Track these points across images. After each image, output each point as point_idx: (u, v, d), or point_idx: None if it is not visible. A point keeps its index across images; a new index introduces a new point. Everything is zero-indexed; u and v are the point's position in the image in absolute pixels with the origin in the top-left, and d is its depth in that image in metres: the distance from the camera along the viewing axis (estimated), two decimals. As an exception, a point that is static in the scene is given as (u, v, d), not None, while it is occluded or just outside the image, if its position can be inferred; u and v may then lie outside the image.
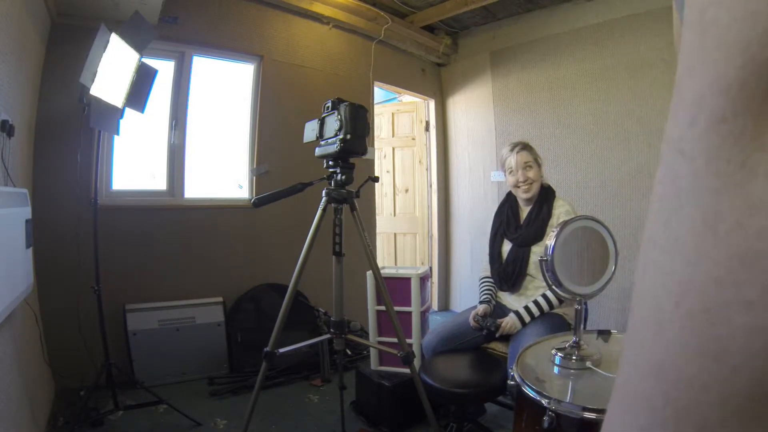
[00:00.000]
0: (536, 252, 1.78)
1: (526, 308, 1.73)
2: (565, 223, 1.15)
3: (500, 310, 1.89)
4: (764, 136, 0.12)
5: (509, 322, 1.73)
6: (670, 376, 0.13)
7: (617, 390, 0.16)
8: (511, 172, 1.85)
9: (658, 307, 0.14)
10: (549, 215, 1.80)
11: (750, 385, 0.12)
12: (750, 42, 0.12)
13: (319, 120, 1.58)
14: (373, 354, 2.17)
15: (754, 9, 0.12)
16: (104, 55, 1.78)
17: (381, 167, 4.20)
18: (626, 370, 0.15)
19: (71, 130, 2.21)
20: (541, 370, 1.14)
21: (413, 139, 4.20)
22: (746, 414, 0.12)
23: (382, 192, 4.20)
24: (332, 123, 1.50)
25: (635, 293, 0.15)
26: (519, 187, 1.84)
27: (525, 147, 1.85)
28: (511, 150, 1.86)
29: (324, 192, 1.57)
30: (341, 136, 1.45)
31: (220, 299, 2.67)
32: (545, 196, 1.85)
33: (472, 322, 1.80)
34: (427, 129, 4.20)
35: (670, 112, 0.15)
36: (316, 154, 1.60)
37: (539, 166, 1.86)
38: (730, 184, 0.12)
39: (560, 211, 1.79)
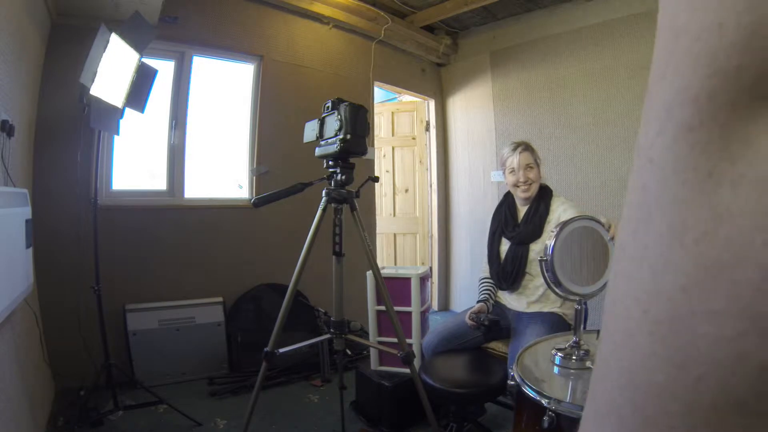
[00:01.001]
0: (534, 250, 1.78)
1: None
2: (564, 223, 1.15)
3: (499, 310, 1.89)
4: (731, 145, 0.12)
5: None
6: (637, 385, 0.13)
7: (589, 397, 0.16)
8: (512, 172, 1.85)
9: (626, 315, 0.14)
10: (547, 212, 1.80)
11: (715, 394, 0.12)
12: (717, 52, 0.12)
13: (319, 120, 1.58)
14: (373, 354, 2.17)
15: (722, 20, 0.12)
16: (104, 55, 1.78)
17: (380, 167, 4.19)
18: (597, 378, 0.15)
19: (71, 130, 2.21)
20: (541, 370, 1.14)
21: (413, 138, 4.20)
22: (712, 424, 0.12)
23: (381, 192, 4.20)
24: (332, 123, 1.50)
25: (606, 301, 0.15)
26: (518, 186, 1.84)
27: (527, 148, 1.86)
28: (514, 150, 1.86)
29: (324, 192, 1.57)
30: (341, 136, 1.45)
31: (220, 299, 2.67)
32: (542, 195, 1.85)
33: (468, 321, 1.81)
34: (427, 129, 4.20)
35: (641, 120, 0.15)
36: (316, 154, 1.60)
37: (539, 167, 1.86)
38: (697, 193, 0.12)
39: (561, 209, 1.78)
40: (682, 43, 0.13)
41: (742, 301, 0.11)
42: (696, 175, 0.12)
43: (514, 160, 1.84)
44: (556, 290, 1.15)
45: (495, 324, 1.78)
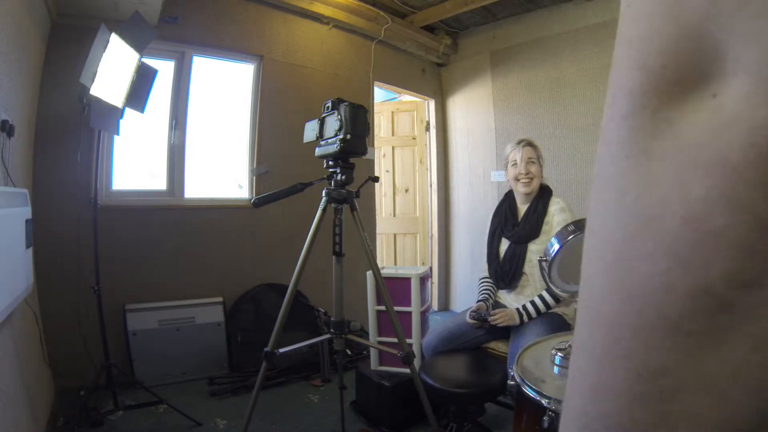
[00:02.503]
0: (533, 250, 1.79)
1: (525, 307, 1.74)
2: (576, 232, 1.12)
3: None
4: (658, 126, 0.15)
5: (507, 313, 1.74)
6: (595, 319, 0.17)
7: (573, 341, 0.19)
8: (514, 165, 1.86)
9: (588, 262, 0.18)
10: (545, 213, 1.81)
11: (654, 320, 0.15)
12: (648, 55, 0.16)
13: (319, 120, 1.58)
14: (373, 354, 2.17)
15: (652, 30, 0.15)
16: (104, 55, 1.78)
17: (380, 167, 4.19)
18: (576, 323, 0.19)
19: (71, 130, 2.21)
20: (541, 370, 1.14)
21: (413, 138, 4.20)
22: (655, 344, 0.15)
23: (381, 192, 4.20)
24: (332, 123, 1.50)
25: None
26: (519, 180, 1.85)
27: (531, 144, 1.88)
28: (517, 143, 1.88)
29: (324, 192, 1.57)
30: (341, 136, 1.45)
31: (220, 299, 2.67)
32: (542, 195, 1.86)
33: (468, 320, 1.81)
34: (427, 129, 4.20)
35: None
36: (316, 154, 1.60)
37: (541, 165, 1.87)
38: (635, 165, 0.16)
39: (555, 208, 1.80)
40: (623, 49, 0.17)
41: (667, 244, 0.14)
42: (633, 151, 0.16)
43: (517, 154, 1.85)
44: (556, 290, 1.15)
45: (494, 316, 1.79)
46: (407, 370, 1.67)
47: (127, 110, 2.05)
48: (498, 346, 1.84)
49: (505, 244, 1.89)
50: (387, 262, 4.24)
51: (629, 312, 0.15)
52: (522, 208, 1.91)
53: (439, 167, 4.19)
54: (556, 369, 1.13)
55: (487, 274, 1.97)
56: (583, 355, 0.17)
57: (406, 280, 2.16)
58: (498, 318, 1.74)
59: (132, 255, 2.47)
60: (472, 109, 4.01)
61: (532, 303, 1.74)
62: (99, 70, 1.76)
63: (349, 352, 2.70)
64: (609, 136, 0.17)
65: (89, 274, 2.02)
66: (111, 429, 1.92)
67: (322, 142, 1.56)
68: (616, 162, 0.17)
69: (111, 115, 1.98)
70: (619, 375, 0.15)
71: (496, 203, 2.05)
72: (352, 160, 1.56)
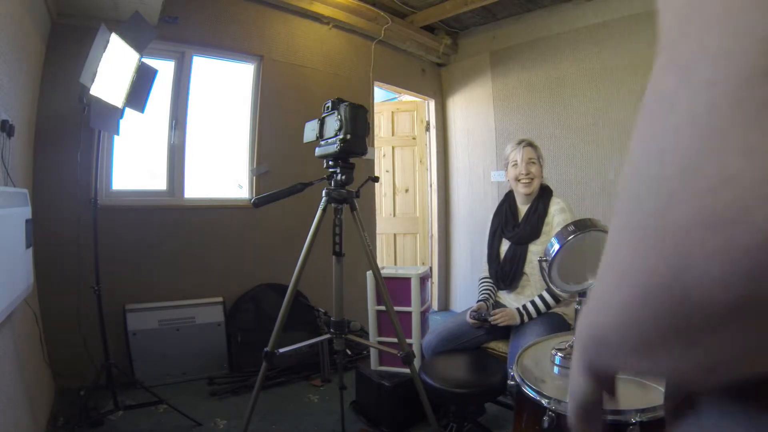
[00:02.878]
0: (533, 251, 1.79)
1: (525, 307, 1.74)
2: (576, 232, 1.12)
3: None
4: (748, 111, 0.12)
5: (507, 313, 1.74)
6: (639, 230, 0.16)
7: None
8: (514, 165, 1.86)
9: (644, 192, 0.16)
10: (545, 213, 1.81)
11: (693, 305, 0.14)
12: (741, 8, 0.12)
13: (319, 120, 1.58)
14: (373, 354, 2.17)
15: None
16: (104, 55, 1.78)
17: (380, 167, 4.19)
18: (617, 212, 0.18)
19: (71, 130, 2.21)
20: (541, 370, 1.14)
21: (413, 138, 4.20)
22: (693, 316, 0.14)
23: (381, 192, 4.20)
24: (332, 123, 1.50)
25: (617, 207, 0.18)
26: (519, 180, 1.85)
27: (531, 144, 1.88)
28: (518, 144, 1.88)
29: (324, 192, 1.57)
30: (341, 136, 1.45)
31: (220, 299, 2.67)
32: (542, 195, 1.86)
33: (469, 320, 1.81)
34: (427, 129, 4.20)
35: (657, 66, 0.15)
36: (316, 154, 1.60)
37: (541, 165, 1.87)
38: (710, 151, 0.13)
39: (555, 209, 1.80)
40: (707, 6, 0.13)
41: (733, 255, 0.12)
42: (711, 132, 0.13)
43: (518, 154, 1.85)
44: (556, 290, 1.15)
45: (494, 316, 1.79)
46: (407, 370, 1.67)
47: (127, 110, 2.04)
48: (498, 346, 1.84)
49: (505, 245, 1.89)
50: (387, 262, 4.24)
51: (668, 254, 0.14)
52: (522, 208, 1.91)
53: (439, 167, 4.19)
54: (556, 369, 1.13)
55: (487, 274, 1.97)
56: (622, 242, 0.17)
57: (406, 280, 2.16)
58: (498, 318, 1.74)
59: (132, 255, 2.47)
60: (472, 109, 4.01)
61: (533, 303, 1.74)
62: (99, 70, 1.76)
63: (349, 352, 2.70)
64: (679, 99, 0.14)
65: (89, 274, 2.01)
66: (111, 429, 1.92)
67: (322, 142, 1.56)
68: (682, 131, 0.14)
69: (111, 115, 1.98)
70: (654, 263, 0.15)
71: (496, 203, 2.05)
72: (352, 160, 1.56)
